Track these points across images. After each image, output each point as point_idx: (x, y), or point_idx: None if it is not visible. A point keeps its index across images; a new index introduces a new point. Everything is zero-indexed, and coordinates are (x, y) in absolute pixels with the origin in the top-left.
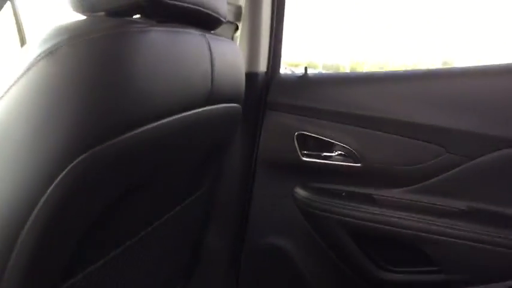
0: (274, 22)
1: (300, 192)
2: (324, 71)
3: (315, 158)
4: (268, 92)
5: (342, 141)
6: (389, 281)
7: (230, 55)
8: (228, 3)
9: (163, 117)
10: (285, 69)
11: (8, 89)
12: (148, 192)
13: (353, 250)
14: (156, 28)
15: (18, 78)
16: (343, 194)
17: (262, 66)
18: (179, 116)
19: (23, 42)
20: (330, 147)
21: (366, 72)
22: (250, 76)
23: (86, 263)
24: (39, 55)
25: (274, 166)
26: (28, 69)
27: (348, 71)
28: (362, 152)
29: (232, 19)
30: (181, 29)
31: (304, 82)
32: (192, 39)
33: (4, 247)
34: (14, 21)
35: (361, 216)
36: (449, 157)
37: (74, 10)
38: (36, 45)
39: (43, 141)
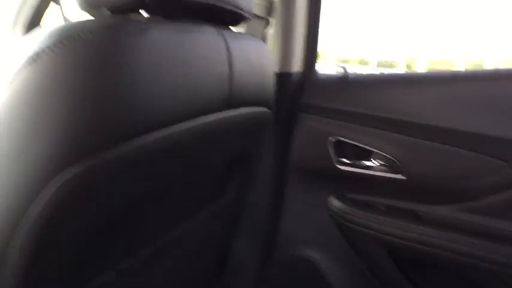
0: (310, 17)
1: (334, 202)
2: (378, 68)
3: (352, 167)
4: (302, 93)
5: (383, 149)
6: None
7: (254, 54)
8: None
9: (171, 124)
10: (335, 66)
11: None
12: (164, 200)
13: (391, 271)
14: (160, 26)
15: (6, 87)
16: (383, 208)
17: (296, 65)
18: (192, 121)
19: None
20: (370, 155)
21: (413, 73)
22: (282, 76)
23: (96, 273)
24: (22, 64)
25: (307, 173)
26: (13, 80)
27: (403, 68)
28: (406, 162)
29: (263, 14)
30: (192, 27)
31: (343, 83)
32: (205, 38)
33: None
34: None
35: (402, 234)
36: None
37: (79, 7)
38: (20, 52)
39: (27, 153)
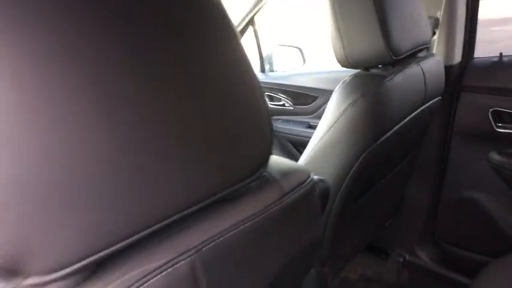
0: (469, 24)
1: (495, 156)
2: None
3: (509, 129)
4: (463, 77)
5: None
6: None
7: (435, 68)
8: (429, 17)
9: (402, 120)
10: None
11: (333, 123)
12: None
13: None
14: (394, 74)
15: (340, 116)
16: None
17: (458, 56)
18: (408, 118)
19: (262, 64)
20: None
21: None
22: (447, 68)
23: (355, 199)
24: (349, 104)
25: (469, 136)
26: (344, 111)
27: None
28: None
29: (431, 28)
30: (406, 68)
31: (498, 66)
32: (413, 72)
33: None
34: (256, 45)
35: None
36: None
37: (342, 65)
38: (345, 96)
39: (346, 149)
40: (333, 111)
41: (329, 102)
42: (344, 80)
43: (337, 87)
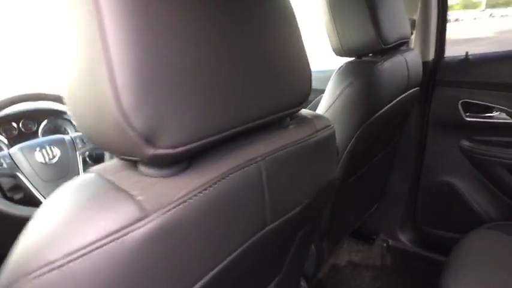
0: (440, 26)
1: (466, 143)
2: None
3: (478, 118)
4: (436, 73)
5: (501, 104)
6: None
7: (415, 60)
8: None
9: (390, 102)
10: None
11: (332, 103)
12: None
13: (509, 181)
14: (383, 61)
15: (338, 96)
16: (504, 143)
17: (431, 54)
18: (395, 101)
19: None
20: (490, 110)
21: None
22: (423, 63)
23: (352, 175)
24: (345, 86)
25: (443, 126)
26: (341, 92)
27: None
28: None
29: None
30: (393, 57)
31: (465, 63)
32: (399, 61)
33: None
34: None
35: None
36: None
37: (336, 54)
38: (341, 79)
39: (344, 127)
40: (331, 93)
41: (327, 87)
42: (340, 66)
43: (334, 73)
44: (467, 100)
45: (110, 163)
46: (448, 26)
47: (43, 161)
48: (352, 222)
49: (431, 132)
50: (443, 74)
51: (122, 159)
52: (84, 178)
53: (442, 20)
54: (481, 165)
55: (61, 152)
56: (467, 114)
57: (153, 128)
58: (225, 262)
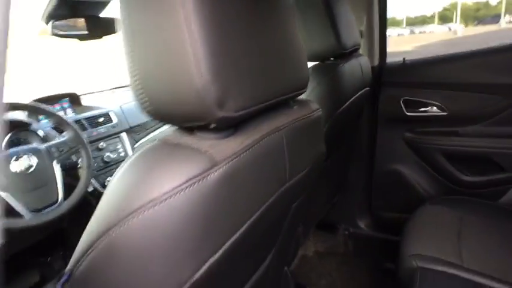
0: (382, 37)
1: (408, 134)
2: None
3: (416, 113)
4: (381, 75)
5: (433, 99)
6: (468, 181)
7: (366, 64)
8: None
9: (350, 99)
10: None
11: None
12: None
13: (446, 164)
14: (344, 64)
15: (308, 95)
16: (438, 132)
17: (376, 60)
18: (353, 98)
19: None
20: (426, 105)
21: (447, 54)
22: (371, 68)
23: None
24: (315, 85)
25: (389, 121)
26: (311, 91)
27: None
28: (447, 105)
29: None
30: (350, 61)
31: (403, 67)
32: (354, 64)
33: None
34: None
35: (451, 143)
36: (506, 103)
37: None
38: (311, 80)
39: None
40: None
41: None
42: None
43: None
44: (407, 98)
45: (163, 136)
46: None
47: (18, 171)
48: (319, 213)
49: (380, 127)
50: (387, 76)
51: (181, 127)
52: (156, 145)
53: (382, 32)
54: (421, 152)
55: (38, 161)
56: (408, 109)
57: (223, 95)
58: (257, 213)
